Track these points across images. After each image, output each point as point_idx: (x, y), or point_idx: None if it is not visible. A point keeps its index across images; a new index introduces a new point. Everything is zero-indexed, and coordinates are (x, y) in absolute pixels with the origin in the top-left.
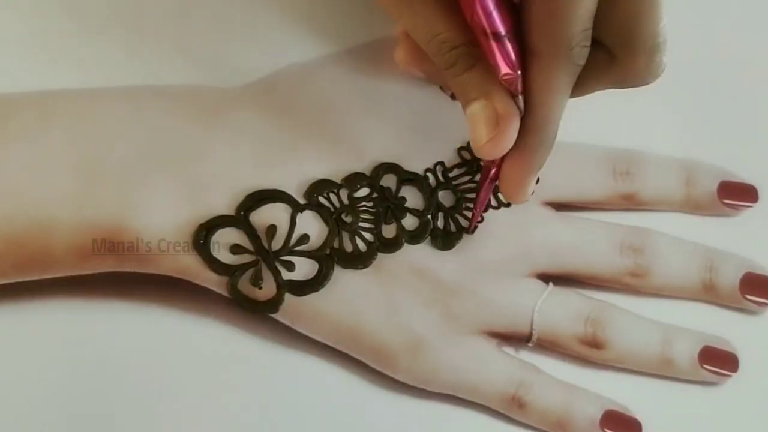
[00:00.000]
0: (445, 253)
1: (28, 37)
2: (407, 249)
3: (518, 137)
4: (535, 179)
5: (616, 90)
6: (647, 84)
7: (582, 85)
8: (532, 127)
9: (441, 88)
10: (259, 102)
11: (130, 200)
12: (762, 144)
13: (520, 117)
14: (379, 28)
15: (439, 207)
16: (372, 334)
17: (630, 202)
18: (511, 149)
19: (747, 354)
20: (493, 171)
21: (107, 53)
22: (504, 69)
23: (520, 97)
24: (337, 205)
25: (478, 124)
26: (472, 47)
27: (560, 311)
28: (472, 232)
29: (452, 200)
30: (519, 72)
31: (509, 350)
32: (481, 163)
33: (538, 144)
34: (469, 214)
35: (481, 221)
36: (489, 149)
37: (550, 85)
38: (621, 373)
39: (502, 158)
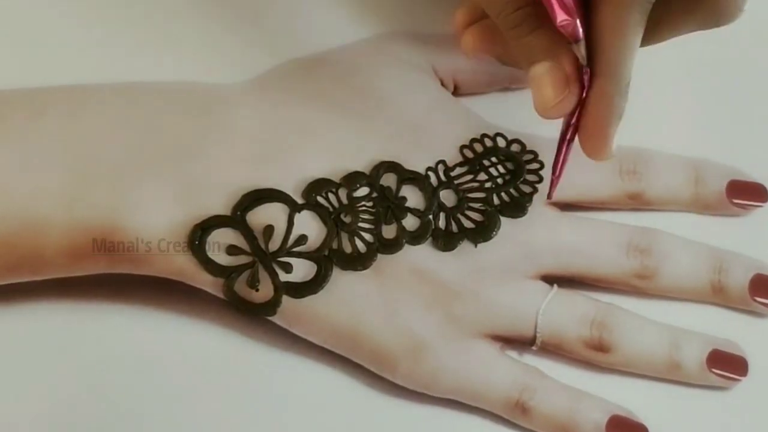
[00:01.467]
0: (446, 254)
1: (23, 32)
2: (408, 250)
3: (590, 87)
4: (617, 132)
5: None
6: (731, 22)
7: (665, 26)
8: (606, 73)
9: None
10: (256, 99)
11: (123, 200)
12: None
13: (584, 73)
14: (382, 23)
15: (441, 207)
16: (371, 337)
17: (637, 202)
18: (586, 103)
19: (757, 358)
20: (569, 133)
21: (101, 48)
22: (561, 16)
23: (582, 44)
24: (336, 204)
25: (545, 86)
26: (538, 7)
27: (565, 314)
28: (550, 197)
29: (454, 200)
30: (577, 19)
31: (512, 354)
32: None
33: (614, 90)
34: (471, 214)
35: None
36: (558, 110)
37: (621, 24)
38: (627, 378)
39: (578, 116)
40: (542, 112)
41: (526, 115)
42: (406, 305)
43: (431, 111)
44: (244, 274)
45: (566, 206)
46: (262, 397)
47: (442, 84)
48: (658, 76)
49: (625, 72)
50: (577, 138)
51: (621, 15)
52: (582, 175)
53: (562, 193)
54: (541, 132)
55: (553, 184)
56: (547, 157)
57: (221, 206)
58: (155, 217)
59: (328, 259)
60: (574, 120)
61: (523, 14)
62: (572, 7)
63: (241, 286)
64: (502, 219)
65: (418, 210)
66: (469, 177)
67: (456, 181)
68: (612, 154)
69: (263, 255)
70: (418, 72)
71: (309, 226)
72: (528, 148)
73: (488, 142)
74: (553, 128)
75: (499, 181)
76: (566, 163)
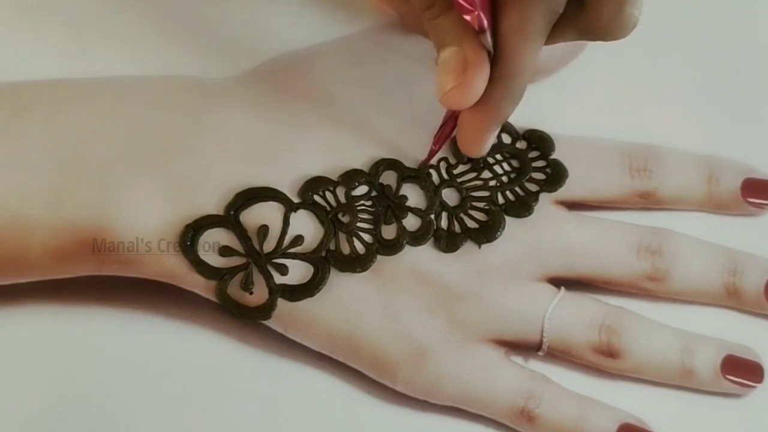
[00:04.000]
0: (449, 255)
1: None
2: (408, 251)
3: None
4: (495, 135)
5: (633, 76)
6: (617, 39)
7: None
8: (501, 76)
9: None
10: (250, 93)
11: (112, 199)
12: None
13: (489, 66)
14: (381, 13)
15: (443, 206)
16: (371, 343)
17: (648, 201)
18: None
19: None
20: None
21: (87, 42)
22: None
23: (488, 36)
24: (334, 204)
25: (446, 71)
26: None
27: (573, 318)
28: (422, 166)
29: (457, 199)
30: (480, 11)
31: (518, 359)
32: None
33: (503, 95)
34: (475, 214)
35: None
36: (452, 97)
37: (525, 30)
38: (638, 384)
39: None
40: (440, 99)
41: (531, 111)
42: (406, 309)
43: (433, 106)
44: (237, 276)
45: (574, 205)
46: (256, 405)
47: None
48: (670, 70)
49: (519, 78)
50: None
51: (525, 20)
52: (590, 172)
53: (569, 191)
54: (547, 128)
55: (430, 154)
56: (554, 154)
57: (213, 205)
58: (144, 216)
59: (326, 261)
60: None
61: None
62: None
63: (234, 288)
64: (507, 219)
65: (420, 209)
66: (473, 175)
67: (459, 179)
68: (482, 154)
69: (257, 256)
70: (419, 64)
71: (305, 226)
72: (534, 145)
73: None
74: (558, 126)
75: (504, 179)
76: (448, 137)
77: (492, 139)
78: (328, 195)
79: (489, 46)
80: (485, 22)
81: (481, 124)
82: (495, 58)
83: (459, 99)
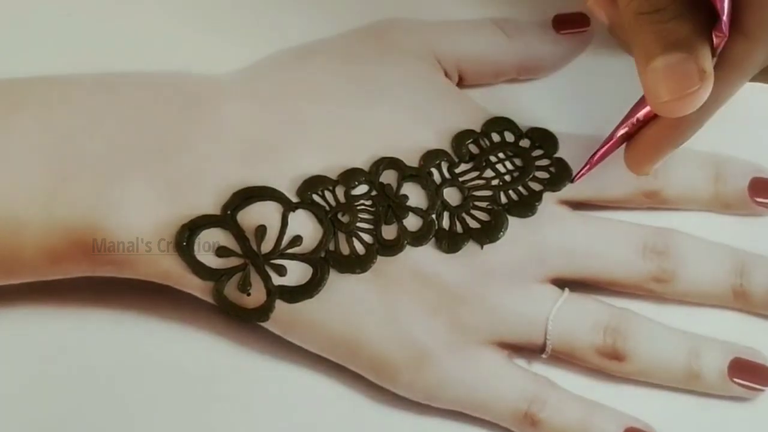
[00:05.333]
0: (451, 256)
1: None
2: (409, 252)
3: None
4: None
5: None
6: None
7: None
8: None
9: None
10: (247, 91)
11: (106, 198)
12: None
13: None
14: (380, 9)
15: (445, 206)
16: (371, 345)
17: (653, 201)
18: (657, 116)
19: None
20: (622, 131)
21: (83, 37)
22: (724, 23)
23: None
24: (333, 203)
25: (670, 77)
26: None
27: (577, 320)
28: (573, 181)
29: (459, 198)
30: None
31: (521, 362)
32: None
33: (696, 120)
34: (477, 213)
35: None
36: (678, 106)
37: (744, 66)
38: (643, 388)
39: (644, 121)
40: (658, 107)
41: (534, 109)
42: (407, 311)
43: (434, 103)
44: (234, 277)
45: (578, 205)
46: (254, 408)
47: (446, 74)
48: None
49: (717, 107)
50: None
51: (747, 57)
52: (593, 171)
53: (573, 191)
54: (550, 126)
55: (584, 168)
56: (558, 152)
57: (210, 205)
58: (139, 216)
59: (325, 262)
60: (635, 119)
61: None
62: (727, 22)
63: (231, 290)
64: (510, 219)
65: (421, 209)
66: (475, 174)
67: (461, 179)
68: (650, 173)
69: (255, 257)
70: (420, 62)
71: (304, 226)
72: (537, 144)
73: (495, 137)
74: (561, 123)
75: (507, 178)
76: (610, 153)
77: (664, 161)
78: (328, 194)
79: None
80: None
81: (664, 142)
82: None
83: (683, 107)
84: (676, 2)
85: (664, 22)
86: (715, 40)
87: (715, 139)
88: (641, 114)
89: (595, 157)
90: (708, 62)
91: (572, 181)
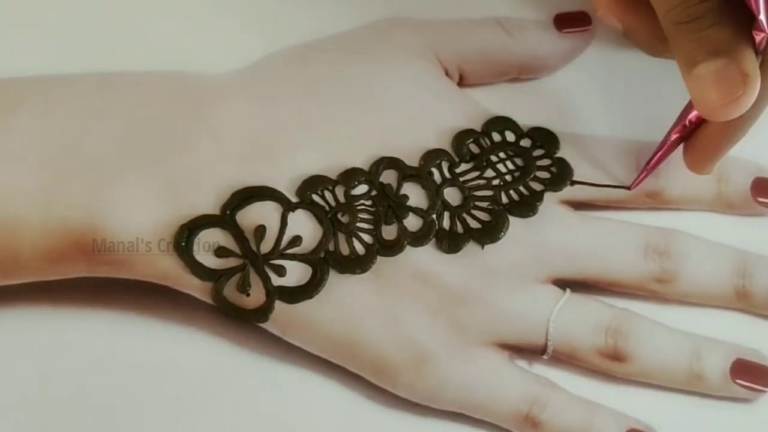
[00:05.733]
0: (451, 256)
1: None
2: (410, 252)
3: None
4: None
5: (638, 73)
6: None
7: None
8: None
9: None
10: (246, 90)
11: (104, 198)
12: None
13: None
14: (381, 8)
15: (445, 206)
16: (371, 346)
17: (655, 201)
18: None
19: None
20: (675, 135)
21: (85, 36)
22: (760, 21)
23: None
24: (333, 203)
25: (716, 82)
26: (723, 2)
27: (578, 320)
28: (630, 188)
29: (459, 198)
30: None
31: (522, 363)
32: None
33: (751, 115)
34: (478, 213)
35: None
36: (726, 111)
37: None
38: (645, 389)
39: (696, 123)
40: (709, 112)
41: (535, 108)
42: (407, 312)
43: (435, 103)
44: (234, 277)
45: (580, 205)
46: (253, 410)
47: (447, 74)
48: (675, 67)
49: (766, 101)
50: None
51: None
52: (596, 172)
53: (575, 190)
54: (551, 126)
55: (642, 175)
56: (559, 152)
57: (209, 205)
58: (138, 216)
59: (324, 262)
60: (687, 122)
61: (707, 6)
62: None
63: (230, 290)
64: (511, 219)
65: (421, 209)
66: (476, 174)
67: (461, 178)
68: (710, 172)
69: (254, 257)
70: (421, 61)
71: (303, 226)
72: (538, 143)
73: (496, 137)
74: (563, 123)
75: (508, 178)
76: (666, 157)
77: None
78: (327, 194)
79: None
80: (765, 42)
81: (722, 141)
82: None
83: (731, 111)
84: (714, 10)
85: (704, 30)
86: (756, 39)
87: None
88: (692, 116)
89: (651, 163)
90: (751, 64)
91: (629, 188)
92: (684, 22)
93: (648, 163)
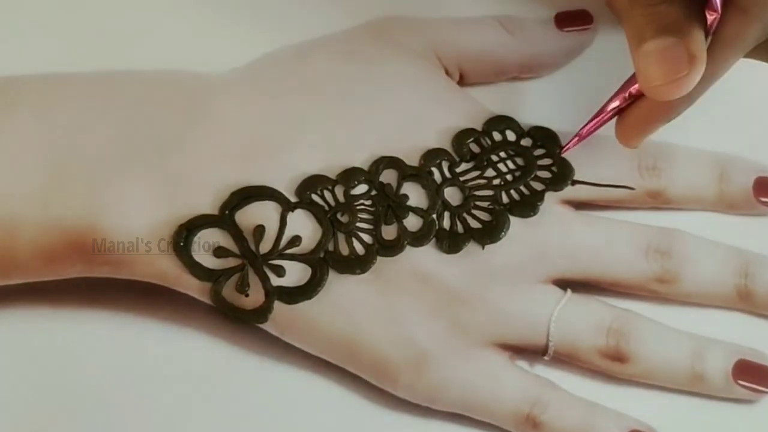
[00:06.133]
0: (451, 256)
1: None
2: (410, 252)
3: None
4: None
5: None
6: None
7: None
8: None
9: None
10: (245, 89)
11: (102, 197)
12: None
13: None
14: (380, 6)
15: (445, 205)
16: (371, 347)
17: (657, 200)
18: None
19: None
20: (614, 104)
21: (82, 35)
22: (715, 1)
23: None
24: (332, 203)
25: (661, 61)
26: None
27: (579, 321)
28: (561, 153)
29: (460, 198)
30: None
31: (523, 364)
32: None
33: (688, 98)
34: (478, 213)
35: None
36: (669, 90)
37: (736, 44)
38: (647, 390)
39: (636, 96)
40: (650, 90)
41: (536, 107)
42: (407, 312)
43: (435, 102)
44: (232, 278)
45: (581, 205)
46: (252, 411)
47: (447, 72)
48: None
49: (710, 84)
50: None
51: (743, 34)
52: (597, 171)
53: (576, 190)
54: (552, 125)
55: (572, 141)
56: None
57: (208, 205)
58: (136, 216)
59: (324, 262)
60: (627, 94)
61: None
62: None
63: (229, 290)
64: (512, 218)
65: (421, 209)
66: (476, 173)
67: (461, 178)
68: (637, 147)
69: (253, 257)
70: (421, 59)
71: (303, 226)
72: (539, 143)
73: (497, 136)
74: (563, 122)
75: (509, 177)
76: (600, 126)
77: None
78: (327, 194)
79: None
80: (715, 23)
81: (656, 118)
82: None
83: (674, 91)
84: None
85: (656, 5)
86: (708, 18)
87: (719, 138)
88: (633, 89)
89: (584, 130)
90: (699, 46)
91: (560, 154)
92: None
93: (581, 130)
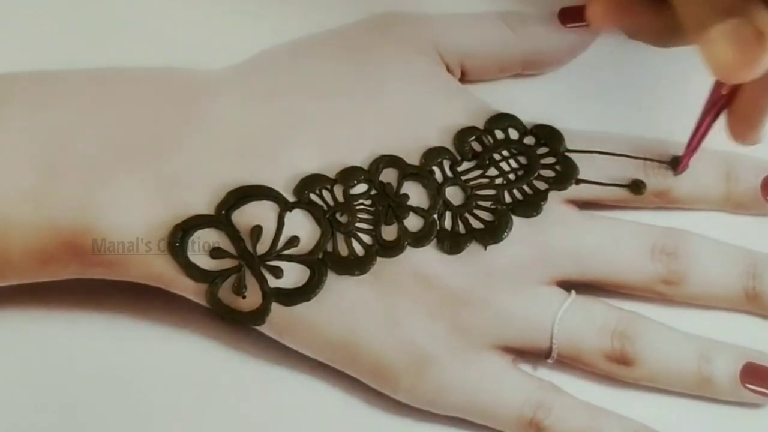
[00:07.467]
0: (453, 257)
1: None
2: (410, 253)
3: None
4: None
5: (644, 70)
6: None
7: None
8: None
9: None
10: (242, 86)
11: (96, 197)
12: None
13: None
14: (379, 4)
15: (447, 205)
16: (370, 350)
17: (663, 200)
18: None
19: None
20: (712, 111)
21: (76, 31)
22: None
23: None
24: (331, 203)
25: (730, 43)
26: None
27: (584, 323)
28: (680, 172)
29: (461, 198)
30: None
31: (526, 367)
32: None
33: None
34: (480, 213)
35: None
36: (744, 71)
37: None
38: (652, 393)
39: (737, 86)
40: (718, 72)
41: (539, 105)
42: (408, 314)
43: (436, 99)
44: (229, 279)
45: (585, 204)
46: (249, 415)
47: (448, 69)
48: (681, 64)
49: None
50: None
51: None
52: (602, 170)
53: (580, 189)
54: (556, 123)
55: (686, 155)
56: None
57: (204, 204)
58: (131, 216)
59: (323, 263)
60: (724, 90)
61: None
62: None
63: (226, 292)
64: (515, 219)
65: (422, 209)
66: (478, 172)
67: (463, 177)
68: (761, 141)
69: (251, 258)
70: (422, 56)
71: (301, 226)
72: (542, 141)
73: (499, 134)
74: (567, 120)
75: (511, 176)
76: (708, 134)
77: None
78: (325, 194)
79: None
80: None
81: (762, 103)
82: None
83: (750, 72)
84: None
85: None
86: None
87: (726, 137)
88: (724, 89)
89: (692, 144)
90: (765, 20)
91: (677, 173)
92: None
93: (689, 145)
